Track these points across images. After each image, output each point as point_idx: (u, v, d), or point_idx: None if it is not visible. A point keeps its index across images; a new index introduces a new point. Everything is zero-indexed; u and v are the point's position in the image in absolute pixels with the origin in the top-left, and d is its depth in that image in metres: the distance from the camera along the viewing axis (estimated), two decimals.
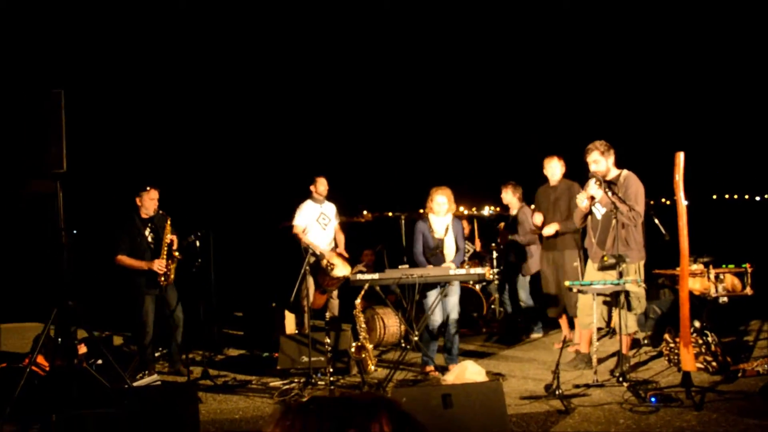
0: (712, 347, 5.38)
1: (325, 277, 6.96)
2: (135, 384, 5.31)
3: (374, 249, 8.26)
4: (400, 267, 5.70)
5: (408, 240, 6.39)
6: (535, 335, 7.37)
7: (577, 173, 6.74)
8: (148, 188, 6.22)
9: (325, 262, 6.89)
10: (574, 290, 5.46)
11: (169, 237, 6.21)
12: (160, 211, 6.26)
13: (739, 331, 6.55)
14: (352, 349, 5.45)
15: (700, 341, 5.41)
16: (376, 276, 5.49)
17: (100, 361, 5.86)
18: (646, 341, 6.34)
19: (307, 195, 7.33)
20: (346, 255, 7.36)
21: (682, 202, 4.73)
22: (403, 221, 8.00)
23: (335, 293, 7.36)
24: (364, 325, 5.53)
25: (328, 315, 6.04)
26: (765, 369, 5.18)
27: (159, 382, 5.55)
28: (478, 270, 5.59)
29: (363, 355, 5.36)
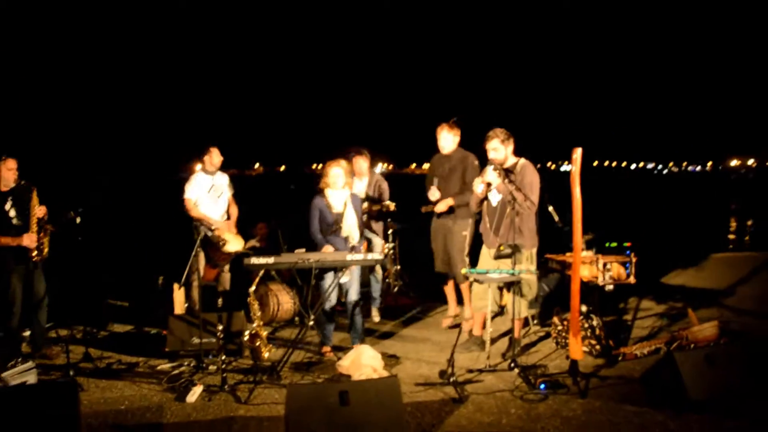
0: (597, 331, 5.64)
1: (216, 251, 6.71)
2: (7, 374, 4.95)
3: (268, 222, 8.04)
4: (296, 251, 5.56)
5: (303, 216, 6.18)
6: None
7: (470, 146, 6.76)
8: (3, 157, 5.71)
9: (217, 234, 6.64)
10: (471, 279, 5.54)
11: (38, 209, 5.75)
12: (22, 182, 5.76)
13: (620, 314, 6.92)
14: (246, 338, 5.32)
15: (586, 325, 5.66)
16: (270, 260, 5.32)
17: None
18: (535, 321, 6.58)
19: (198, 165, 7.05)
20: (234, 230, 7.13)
21: (578, 196, 4.84)
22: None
23: (227, 267, 7.15)
24: (258, 313, 5.40)
25: (219, 301, 5.75)
26: (642, 353, 5.51)
27: (34, 369, 5.18)
28: (376, 255, 5.55)
29: (257, 343, 5.26)
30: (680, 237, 13.16)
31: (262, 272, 5.41)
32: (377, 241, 7.27)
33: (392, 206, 7.03)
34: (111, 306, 7.94)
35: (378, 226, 7.30)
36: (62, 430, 3.79)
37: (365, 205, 7.03)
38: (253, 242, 7.71)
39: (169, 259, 8.10)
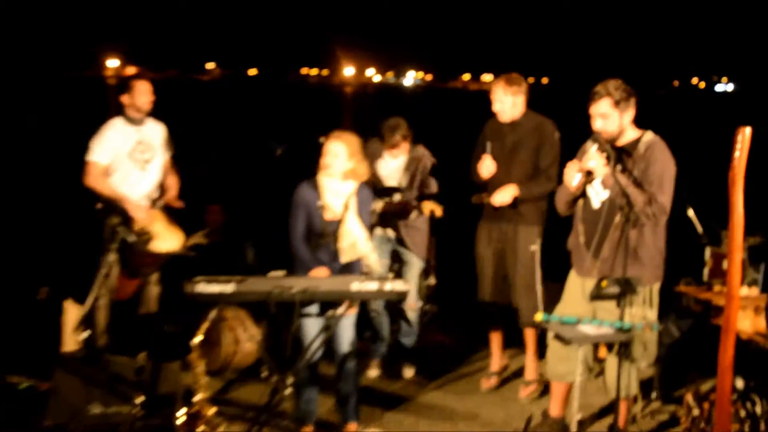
0: (761, 425, 5.30)
1: (137, 252, 6.53)
2: None
3: (223, 206, 7.80)
4: (270, 274, 5.28)
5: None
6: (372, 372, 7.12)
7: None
8: None
9: (138, 228, 6.44)
10: (550, 335, 5.26)
11: None
12: None
13: None
14: (180, 420, 5.05)
15: (742, 413, 5.34)
16: (228, 288, 4.99)
17: None
18: (654, 394, 6.36)
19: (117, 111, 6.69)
20: (179, 204, 7.00)
21: (740, 207, 4.27)
22: None
23: (155, 277, 6.96)
24: (204, 380, 5.09)
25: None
26: None
27: None
28: (399, 285, 5.12)
29: (199, 429, 4.97)
30: None
31: (214, 312, 5.12)
32: (413, 261, 7.04)
33: (438, 211, 6.71)
34: None
35: (419, 228, 6.94)
36: None
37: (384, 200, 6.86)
38: (198, 237, 7.44)
39: (58, 258, 7.91)
